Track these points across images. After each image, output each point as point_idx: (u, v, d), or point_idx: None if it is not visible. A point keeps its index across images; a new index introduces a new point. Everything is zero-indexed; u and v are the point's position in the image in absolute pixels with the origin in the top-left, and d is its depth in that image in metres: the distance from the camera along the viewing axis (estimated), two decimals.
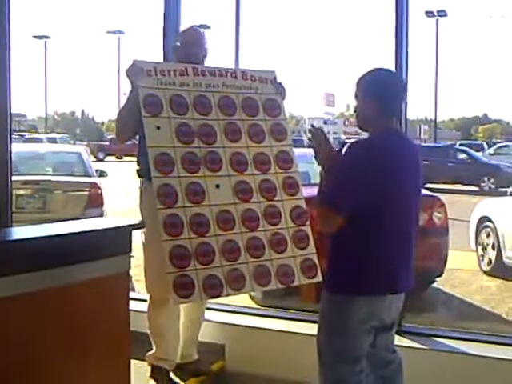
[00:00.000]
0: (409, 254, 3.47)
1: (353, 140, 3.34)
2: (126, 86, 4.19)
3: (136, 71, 4.12)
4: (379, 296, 3.32)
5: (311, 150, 3.53)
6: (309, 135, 3.57)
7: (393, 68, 4.59)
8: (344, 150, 3.34)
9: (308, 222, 4.34)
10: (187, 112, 4.18)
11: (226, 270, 4.07)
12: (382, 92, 3.32)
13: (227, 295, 4.20)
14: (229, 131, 4.28)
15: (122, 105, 4.44)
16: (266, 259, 4.22)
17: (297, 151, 4.55)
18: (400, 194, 3.27)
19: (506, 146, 30.92)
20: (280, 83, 4.56)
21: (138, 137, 4.39)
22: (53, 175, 10.89)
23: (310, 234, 4.35)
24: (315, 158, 3.49)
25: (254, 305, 6.22)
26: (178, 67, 4.26)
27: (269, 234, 4.26)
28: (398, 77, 3.41)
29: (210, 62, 4.52)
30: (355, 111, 3.45)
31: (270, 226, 4.28)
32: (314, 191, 3.63)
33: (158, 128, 4.07)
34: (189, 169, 4.10)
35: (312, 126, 3.62)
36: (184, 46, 4.46)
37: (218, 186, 4.17)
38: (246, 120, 4.37)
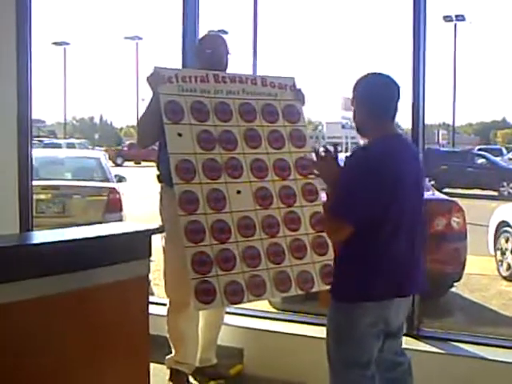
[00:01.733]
0: (416, 257, 3.44)
1: (354, 148, 3.35)
2: (145, 92, 4.26)
3: (157, 78, 4.15)
4: (386, 300, 3.31)
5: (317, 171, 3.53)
6: (313, 163, 3.53)
7: (410, 73, 4.62)
8: (344, 160, 3.34)
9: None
10: (208, 119, 4.21)
11: (246, 276, 4.10)
12: (375, 96, 3.33)
13: (248, 301, 4.25)
14: (249, 137, 4.31)
15: (140, 110, 4.54)
16: (286, 265, 4.25)
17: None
18: (402, 199, 3.25)
19: None
20: (299, 89, 4.58)
21: (157, 142, 4.42)
22: (72, 180, 10.96)
23: (329, 240, 4.36)
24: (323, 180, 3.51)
25: (272, 309, 6.23)
26: (198, 74, 4.29)
27: (289, 240, 4.29)
28: (392, 80, 3.37)
29: (229, 67, 4.54)
30: (354, 117, 3.43)
31: (290, 232, 4.30)
32: None
33: (180, 135, 4.09)
34: (210, 175, 4.12)
35: (315, 150, 3.54)
36: (209, 51, 4.47)
37: (238, 192, 4.19)
38: (266, 126, 4.39)
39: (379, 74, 3.40)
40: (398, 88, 3.38)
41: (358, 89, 3.39)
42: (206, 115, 4.21)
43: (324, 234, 4.31)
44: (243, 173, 4.24)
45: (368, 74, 3.41)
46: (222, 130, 4.24)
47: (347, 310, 3.32)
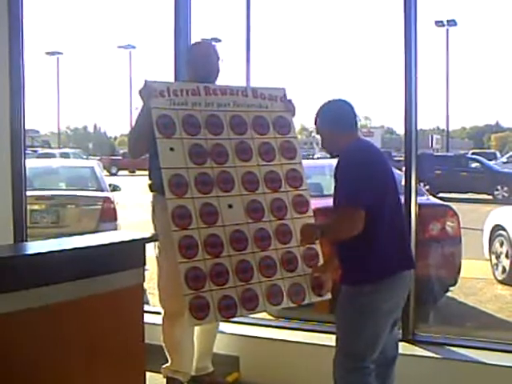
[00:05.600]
0: (408, 241, 4.09)
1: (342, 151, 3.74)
2: (138, 101, 4.22)
3: (149, 92, 4.14)
4: (399, 273, 3.70)
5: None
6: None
7: (403, 78, 4.64)
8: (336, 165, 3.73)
9: (317, 240, 4.35)
10: (199, 132, 4.21)
11: (239, 291, 4.11)
12: (340, 114, 3.81)
13: (241, 315, 4.30)
14: (240, 150, 4.31)
15: (133, 119, 4.48)
16: (278, 278, 4.26)
17: (310, 163, 4.59)
18: (391, 187, 3.72)
19: None
20: (290, 100, 4.58)
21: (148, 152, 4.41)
22: (66, 190, 10.95)
23: (319, 251, 4.38)
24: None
25: (268, 316, 6.23)
26: (189, 87, 4.28)
27: (280, 253, 4.29)
28: (347, 101, 3.87)
29: (221, 74, 4.53)
30: (322, 146, 3.91)
31: (281, 245, 4.31)
32: (326, 202, 3.80)
33: (172, 149, 4.09)
34: (202, 190, 4.12)
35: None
36: (197, 61, 4.45)
37: (230, 206, 4.19)
38: (257, 138, 4.39)
39: (333, 100, 3.89)
40: (353, 107, 3.87)
41: (322, 114, 3.86)
42: (197, 129, 4.21)
43: (314, 246, 4.33)
44: (234, 186, 4.24)
45: (327, 101, 3.87)
46: (213, 144, 4.23)
47: (370, 291, 3.63)
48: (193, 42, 5.07)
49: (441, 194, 16.75)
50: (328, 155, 3.97)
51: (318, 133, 3.88)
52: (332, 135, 3.80)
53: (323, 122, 3.83)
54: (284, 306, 4.30)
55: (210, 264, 4.05)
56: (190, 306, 3.95)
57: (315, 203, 4.55)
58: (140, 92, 4.18)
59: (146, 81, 4.18)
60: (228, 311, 4.08)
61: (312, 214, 4.42)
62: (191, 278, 3.98)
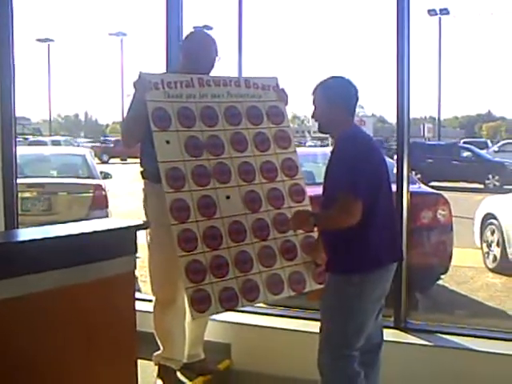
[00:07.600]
0: (398, 230, 4.15)
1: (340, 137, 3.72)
2: (130, 88, 4.20)
3: (144, 84, 4.11)
4: (390, 265, 3.74)
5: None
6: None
7: (395, 67, 4.63)
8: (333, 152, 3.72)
9: (316, 229, 4.35)
10: (195, 124, 4.19)
11: (240, 282, 4.11)
12: (344, 94, 3.74)
13: (242, 306, 4.31)
14: (235, 141, 4.30)
15: (125, 106, 4.46)
16: (278, 267, 4.26)
17: (301, 150, 4.59)
18: (385, 181, 3.71)
19: (510, 143, 30.78)
20: (282, 89, 4.56)
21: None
22: (57, 177, 10.92)
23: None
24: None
25: (260, 304, 6.23)
26: (183, 79, 4.24)
27: (279, 243, 4.30)
28: (351, 82, 3.78)
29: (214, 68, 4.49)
30: (313, 117, 3.81)
31: (280, 234, 4.31)
32: (318, 190, 3.80)
33: (168, 142, 4.07)
34: (199, 182, 4.11)
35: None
36: (198, 51, 4.38)
37: (228, 198, 4.19)
38: (251, 129, 4.38)
39: (340, 76, 3.80)
40: (357, 91, 3.79)
41: (324, 89, 3.76)
42: (192, 121, 4.19)
43: (313, 234, 4.33)
44: (231, 177, 4.23)
45: (330, 77, 3.79)
46: (208, 135, 4.22)
47: (359, 281, 3.62)
48: (184, 28, 5.05)
49: (432, 183, 16.77)
50: (318, 130, 3.89)
51: (314, 103, 3.80)
52: (331, 112, 3.73)
53: (327, 95, 3.74)
54: (285, 295, 4.31)
55: (210, 256, 4.05)
56: (192, 299, 3.95)
57: (308, 191, 4.54)
58: (134, 84, 4.16)
59: (140, 73, 4.16)
60: (229, 302, 4.09)
61: (309, 203, 4.42)
62: (192, 271, 3.97)
